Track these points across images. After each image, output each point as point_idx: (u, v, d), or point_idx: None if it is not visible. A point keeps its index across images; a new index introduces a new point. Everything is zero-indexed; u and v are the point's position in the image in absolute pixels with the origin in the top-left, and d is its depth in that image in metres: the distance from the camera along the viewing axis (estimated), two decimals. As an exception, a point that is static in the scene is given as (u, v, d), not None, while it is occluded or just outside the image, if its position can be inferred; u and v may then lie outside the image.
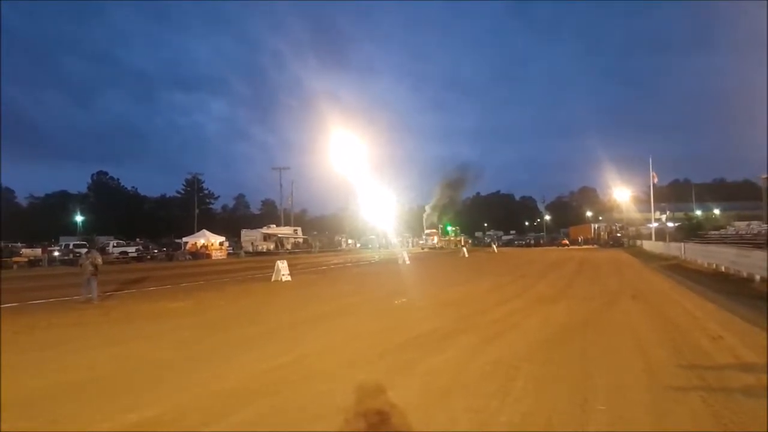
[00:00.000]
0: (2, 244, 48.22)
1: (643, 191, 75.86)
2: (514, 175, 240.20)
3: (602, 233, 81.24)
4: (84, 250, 43.73)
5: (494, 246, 71.34)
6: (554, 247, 73.53)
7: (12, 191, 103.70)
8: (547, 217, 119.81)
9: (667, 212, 75.86)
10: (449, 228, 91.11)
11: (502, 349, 7.40)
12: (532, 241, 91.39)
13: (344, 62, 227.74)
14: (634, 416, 4.62)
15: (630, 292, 14.31)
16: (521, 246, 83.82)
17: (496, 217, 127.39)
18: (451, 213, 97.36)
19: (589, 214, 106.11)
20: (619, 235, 76.50)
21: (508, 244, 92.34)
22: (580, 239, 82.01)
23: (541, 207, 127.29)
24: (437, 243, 78.75)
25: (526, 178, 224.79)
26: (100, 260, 15.24)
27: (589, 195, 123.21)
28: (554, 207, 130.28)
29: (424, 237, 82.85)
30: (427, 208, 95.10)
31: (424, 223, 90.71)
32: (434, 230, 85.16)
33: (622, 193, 75.15)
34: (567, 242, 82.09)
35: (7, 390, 5.80)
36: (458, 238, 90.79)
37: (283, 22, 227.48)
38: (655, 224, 57.13)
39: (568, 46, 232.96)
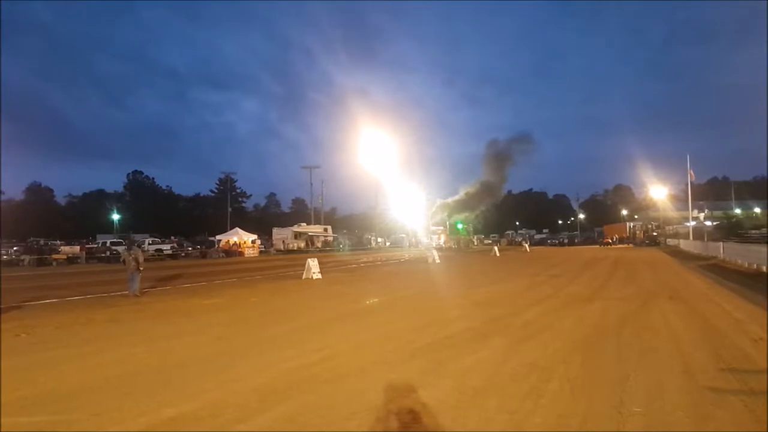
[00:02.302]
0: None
1: (681, 189, 74.11)
2: (548, 173, 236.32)
3: (638, 232, 79.31)
4: (122, 248, 45.32)
5: (526, 245, 70.36)
6: (590, 246, 71.75)
7: (51, 190, 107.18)
8: (581, 216, 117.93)
9: (706, 211, 73.92)
10: (459, 226, 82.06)
11: (535, 350, 7.32)
12: (566, 240, 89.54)
13: (375, 58, 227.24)
14: (673, 419, 4.52)
15: (667, 293, 13.98)
16: (554, 245, 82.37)
17: (528, 215, 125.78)
18: (489, 201, 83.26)
19: (624, 212, 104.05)
20: (655, 234, 74.65)
21: (541, 243, 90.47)
22: (614, 238, 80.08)
23: (574, 205, 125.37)
24: (444, 243, 70.93)
25: (560, 176, 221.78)
26: (141, 257, 15.92)
27: (624, 193, 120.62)
28: (588, 205, 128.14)
29: (428, 236, 72.06)
30: (450, 197, 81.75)
31: (430, 220, 79.88)
32: (441, 228, 76.72)
33: (658, 191, 73.53)
34: (609, 240, 78.88)
35: (50, 383, 6.01)
36: (470, 238, 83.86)
37: (314, 19, 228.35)
38: (692, 223, 55.72)
39: (608, 39, 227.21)
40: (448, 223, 79.45)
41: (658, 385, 5.50)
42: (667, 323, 9.45)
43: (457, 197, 79.57)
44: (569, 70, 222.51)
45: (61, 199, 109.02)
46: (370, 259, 40.16)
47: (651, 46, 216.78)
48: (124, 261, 16.17)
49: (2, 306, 13.22)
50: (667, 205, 75.87)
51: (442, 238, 72.60)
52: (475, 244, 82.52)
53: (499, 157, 76.11)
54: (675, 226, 71.38)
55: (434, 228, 75.44)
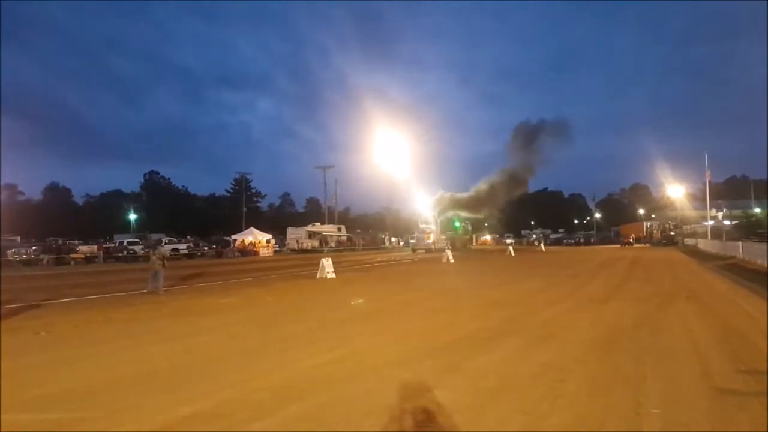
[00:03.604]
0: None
1: (699, 188, 73.10)
2: (564, 172, 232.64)
3: (655, 232, 78.37)
4: (139, 247, 45.84)
5: (542, 245, 69.72)
6: (607, 246, 70.68)
7: (69, 190, 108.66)
8: (598, 215, 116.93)
9: (724, 210, 72.99)
10: (457, 224, 72.15)
11: (552, 350, 7.27)
12: (582, 240, 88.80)
13: (390, 56, 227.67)
14: (691, 421, 4.46)
15: (685, 293, 13.82)
16: (570, 245, 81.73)
17: (544, 215, 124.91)
18: (514, 193, 72.43)
19: (641, 211, 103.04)
20: (672, 233, 73.75)
21: (557, 242, 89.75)
22: (632, 238, 79.09)
23: (591, 204, 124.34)
24: (434, 243, 58.82)
25: (576, 175, 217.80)
26: (167, 254, 16.61)
27: (641, 192, 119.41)
28: (605, 204, 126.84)
29: (415, 235, 61.58)
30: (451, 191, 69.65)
31: (419, 218, 68.45)
32: (431, 226, 64.56)
33: (675, 190, 72.74)
34: (630, 240, 76.65)
35: (69, 381, 6.08)
36: (468, 237, 74.03)
37: (329, 17, 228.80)
38: (710, 222, 55.00)
39: (627, 34, 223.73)
40: (438, 220, 68.50)
41: (676, 386, 5.43)
42: (685, 324, 9.34)
43: (472, 192, 70.22)
44: (587, 67, 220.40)
45: (78, 198, 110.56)
46: (383, 259, 40.17)
47: (671, 43, 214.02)
48: (150, 251, 16.80)
49: (23, 305, 13.45)
50: (684, 205, 75.02)
51: (432, 237, 60.18)
52: (474, 244, 76.29)
53: (529, 141, 66.01)
54: (693, 226, 70.52)
55: (422, 226, 64.41)
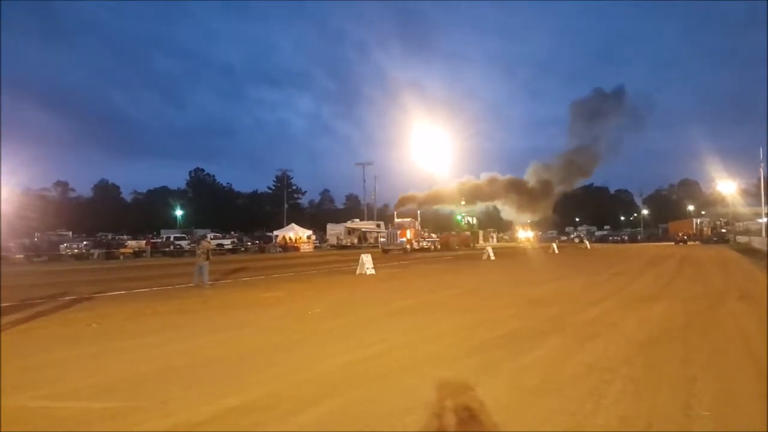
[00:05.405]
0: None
1: (752, 183, 70.33)
2: (610, 167, 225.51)
3: (705, 229, 75.65)
4: (185, 242, 47.14)
5: (586, 242, 68.01)
6: (656, 244, 68.11)
7: (118, 187, 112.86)
8: (645, 212, 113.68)
9: (780, 206, 69.95)
10: (459, 217, 63.44)
11: (596, 350, 7.10)
12: (627, 238, 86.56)
13: (430, 50, 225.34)
14: (744, 424, 4.30)
15: (737, 292, 13.30)
16: (616, 242, 79.79)
17: (589, 211, 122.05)
18: (575, 178, 63.15)
19: (690, 208, 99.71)
20: (723, 231, 71.00)
21: (602, 240, 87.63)
22: (680, 235, 76.39)
23: (638, 201, 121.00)
24: (410, 242, 44.93)
25: (623, 170, 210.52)
26: (211, 247, 17.84)
27: (690, 188, 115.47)
28: (652, 201, 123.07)
29: (387, 233, 48.36)
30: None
31: (395, 211, 58.82)
32: (410, 221, 49.95)
33: (727, 186, 70.04)
34: (685, 237, 72.49)
35: (119, 372, 6.29)
36: (471, 233, 63.76)
37: (367, 12, 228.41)
38: (765, 219, 52.71)
39: (677, 22, 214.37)
40: (419, 211, 57.90)
41: (728, 389, 5.24)
42: (738, 324, 8.99)
43: (529, 178, 59.69)
44: (634, 59, 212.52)
45: (127, 195, 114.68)
46: (422, 256, 40.05)
47: (723, 31, 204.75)
48: (198, 245, 17.65)
49: (75, 297, 14.01)
50: (736, 201, 72.18)
51: (409, 234, 45.72)
52: (480, 242, 65.65)
53: (598, 114, 54.82)
54: (746, 223, 67.72)
55: (399, 221, 50.99)
